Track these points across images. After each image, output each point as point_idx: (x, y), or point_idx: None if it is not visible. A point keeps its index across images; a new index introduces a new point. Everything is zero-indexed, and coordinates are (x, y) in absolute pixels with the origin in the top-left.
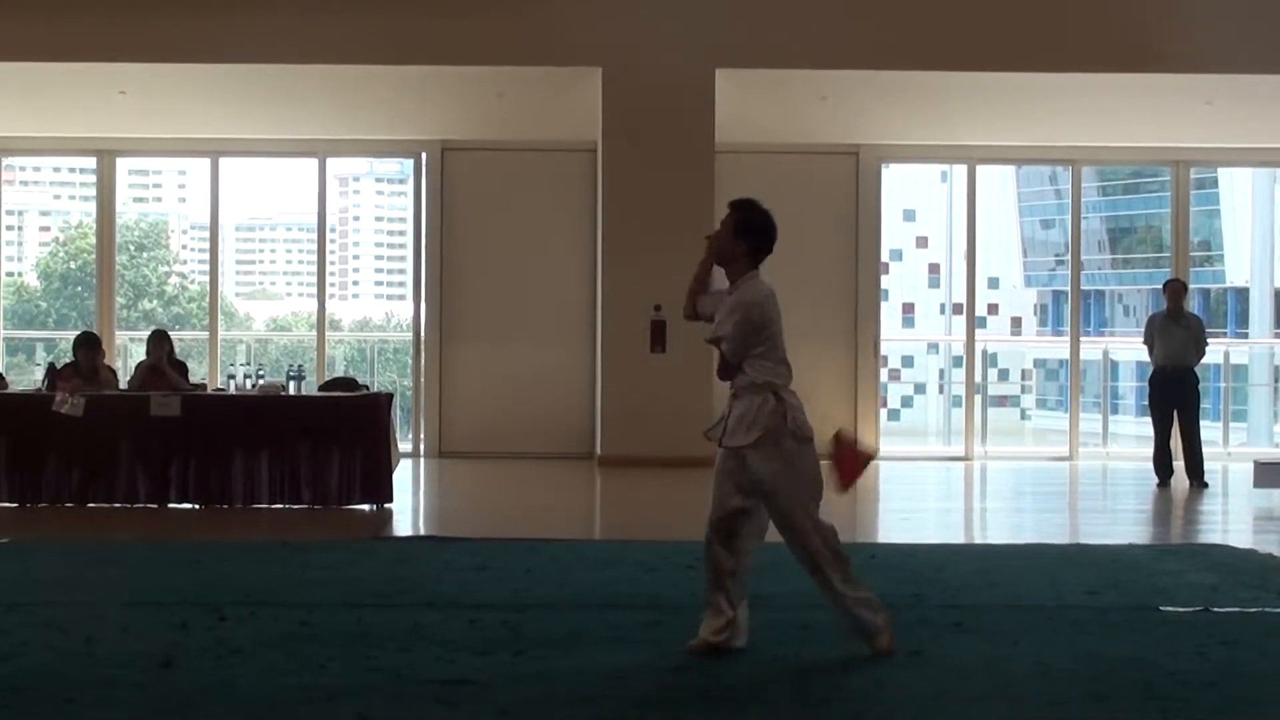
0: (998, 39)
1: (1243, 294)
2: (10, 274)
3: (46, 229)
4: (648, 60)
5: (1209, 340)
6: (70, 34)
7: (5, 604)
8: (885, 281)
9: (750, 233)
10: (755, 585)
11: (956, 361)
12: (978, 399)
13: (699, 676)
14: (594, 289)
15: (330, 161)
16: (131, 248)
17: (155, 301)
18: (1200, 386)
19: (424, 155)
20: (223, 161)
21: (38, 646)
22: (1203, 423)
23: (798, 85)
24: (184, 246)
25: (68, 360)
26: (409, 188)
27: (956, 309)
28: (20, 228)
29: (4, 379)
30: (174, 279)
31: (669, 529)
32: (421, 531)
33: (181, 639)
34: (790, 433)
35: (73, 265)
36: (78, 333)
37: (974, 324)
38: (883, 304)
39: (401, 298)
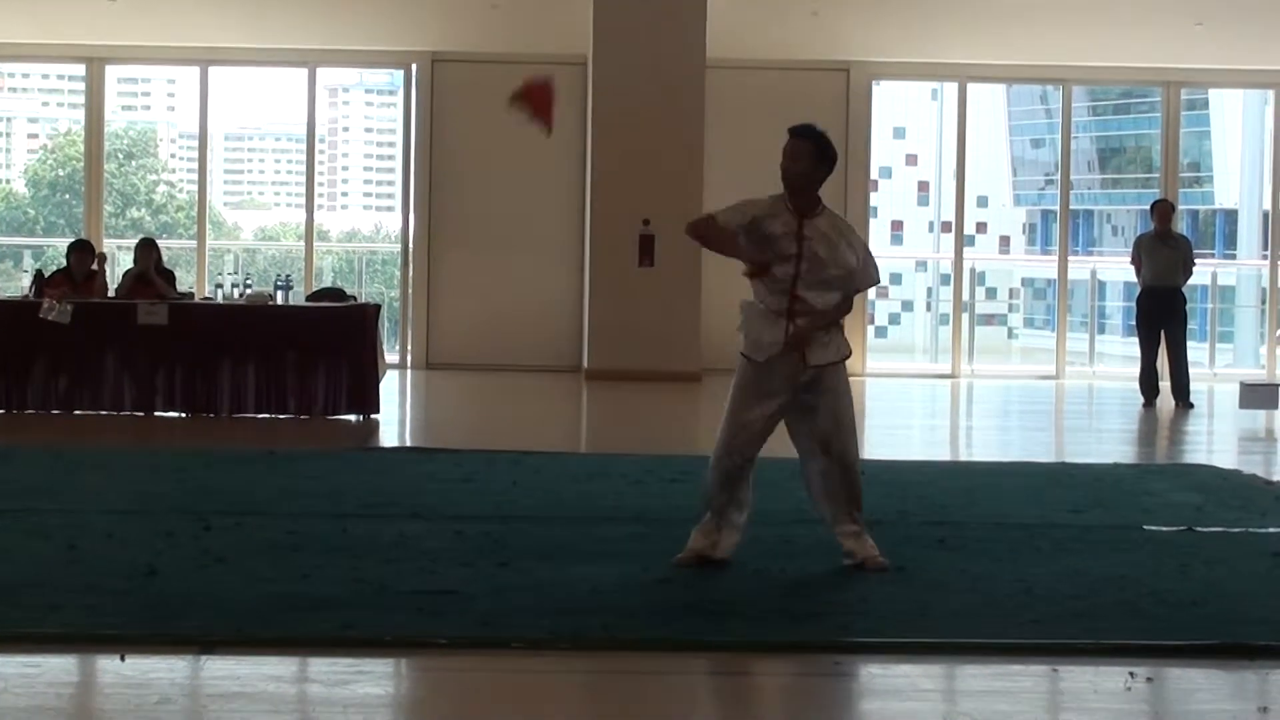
0: None
1: (1231, 216)
2: None
3: (35, 136)
4: None
5: (1196, 261)
6: None
7: None
8: (874, 199)
9: (828, 161)
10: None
11: (944, 280)
12: (965, 317)
13: (683, 590)
14: (583, 202)
15: (320, 72)
16: (120, 156)
17: (143, 210)
18: (1187, 307)
19: (414, 66)
20: (212, 70)
21: (21, 553)
22: (1189, 343)
23: (789, 0)
24: (172, 155)
25: (56, 268)
26: (399, 99)
27: (945, 227)
28: (8, 134)
29: None
30: (162, 188)
31: (655, 443)
32: (407, 443)
33: (166, 547)
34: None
35: (61, 173)
36: (69, 240)
37: (962, 242)
38: (871, 221)
39: (390, 209)
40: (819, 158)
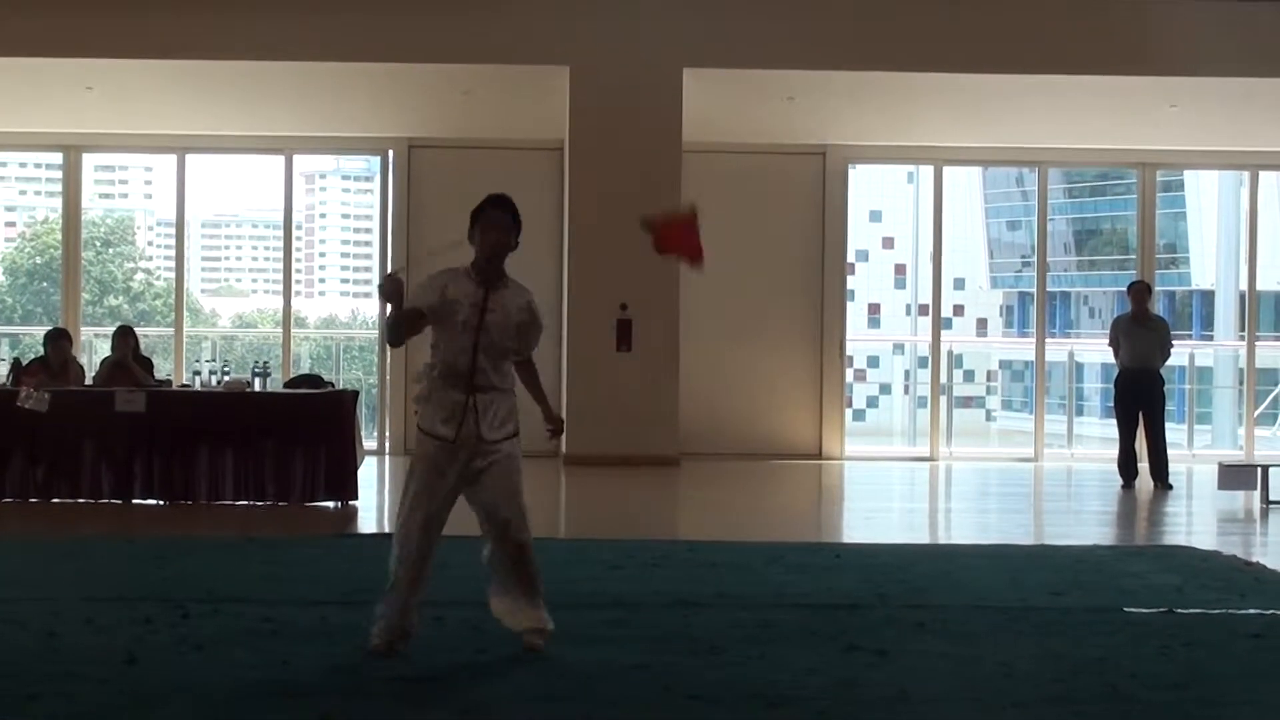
0: (964, 40)
1: (1208, 296)
2: None
3: (12, 224)
4: (615, 59)
5: (1174, 342)
6: (37, 29)
7: None
8: (851, 282)
9: (519, 229)
10: (720, 584)
11: (922, 362)
12: (943, 400)
13: (663, 675)
14: (560, 287)
15: (297, 158)
16: (98, 243)
17: (121, 297)
18: (1165, 388)
19: (390, 153)
20: (189, 158)
21: (0, 642)
22: (1168, 425)
23: (765, 85)
24: (150, 243)
25: (33, 356)
26: (375, 185)
27: (922, 310)
28: None
29: None
30: (140, 275)
31: (633, 527)
32: (386, 529)
33: (145, 634)
34: None
35: (39, 260)
36: (46, 329)
37: (940, 325)
38: (849, 304)
39: (367, 295)
40: (515, 227)
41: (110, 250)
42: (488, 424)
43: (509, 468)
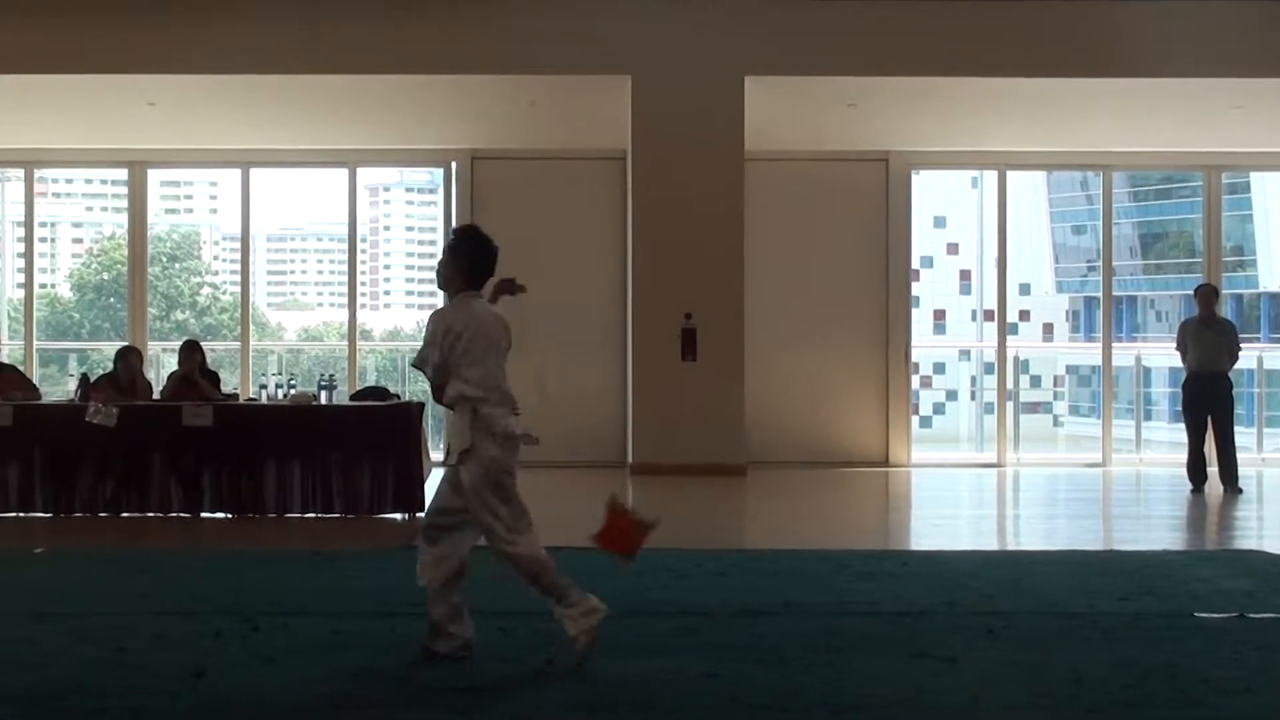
0: (1027, 44)
1: (1276, 299)
2: (43, 285)
3: (79, 240)
4: (677, 68)
5: (1242, 345)
6: (100, 46)
7: (36, 614)
8: (916, 288)
9: (453, 252)
10: (787, 592)
11: (988, 368)
12: (1009, 405)
13: (729, 684)
14: (625, 297)
15: (360, 171)
16: (164, 259)
17: (188, 312)
18: (1234, 392)
19: (454, 164)
20: (253, 172)
21: (68, 656)
22: (1236, 428)
23: (826, 92)
24: (215, 257)
25: (102, 371)
26: (439, 197)
27: (988, 315)
28: (53, 239)
29: (38, 390)
30: (206, 290)
31: (700, 536)
32: None
33: (214, 648)
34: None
35: (105, 276)
36: (115, 345)
37: (1005, 330)
38: (914, 311)
39: (432, 307)
40: (447, 253)
41: (176, 265)
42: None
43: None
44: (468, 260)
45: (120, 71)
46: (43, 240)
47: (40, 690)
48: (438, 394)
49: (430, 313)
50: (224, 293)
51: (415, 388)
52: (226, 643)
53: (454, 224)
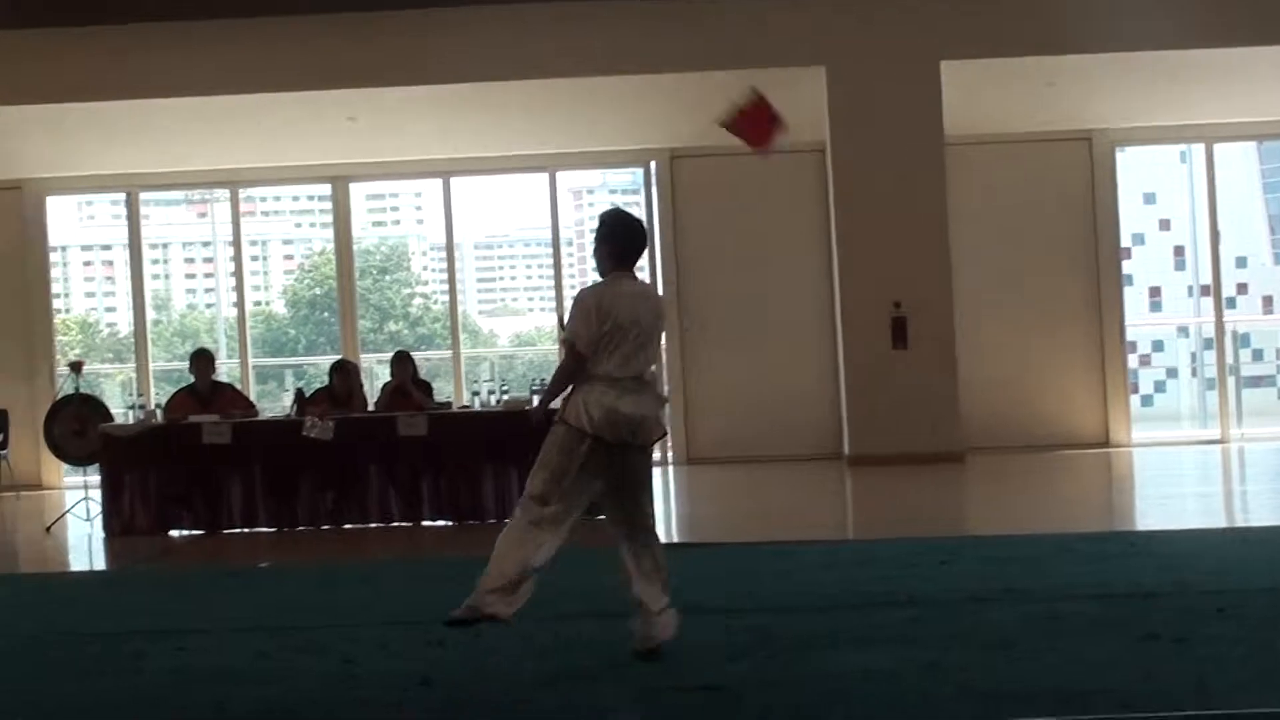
0: (1230, 13)
1: None
2: (257, 303)
3: (290, 257)
4: (871, 56)
5: None
6: (297, 63)
7: (266, 628)
8: (1129, 266)
9: (599, 240)
10: (1010, 578)
11: (1208, 344)
12: (1231, 381)
13: (955, 672)
14: (831, 288)
15: (561, 175)
16: (374, 271)
17: (401, 323)
18: None
19: (653, 164)
20: (454, 181)
21: (298, 669)
22: None
23: (1024, 72)
24: (425, 268)
25: (318, 386)
26: (641, 197)
27: (1204, 290)
28: (265, 257)
29: (255, 407)
30: (418, 300)
31: (921, 525)
32: (673, 539)
33: (440, 656)
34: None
35: (318, 291)
36: (330, 359)
37: (1222, 305)
38: (1127, 289)
39: None
40: (595, 239)
41: (387, 277)
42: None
43: None
44: (613, 243)
45: (319, 88)
46: (254, 259)
47: (272, 704)
48: (578, 372)
49: (580, 290)
50: (435, 302)
51: None
52: (451, 650)
53: (656, 225)
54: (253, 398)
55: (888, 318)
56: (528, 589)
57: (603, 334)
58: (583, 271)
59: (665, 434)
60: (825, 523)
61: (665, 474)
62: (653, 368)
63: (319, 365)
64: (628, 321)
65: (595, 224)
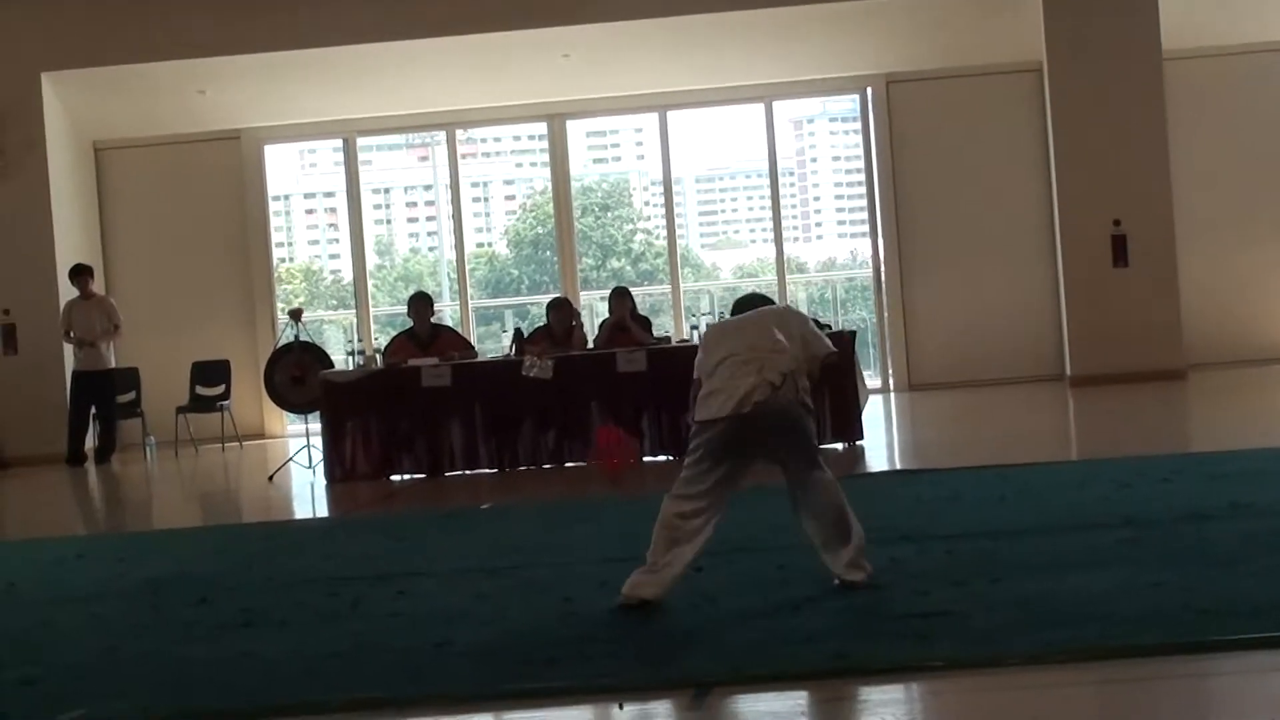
0: None
1: None
2: (480, 245)
3: (511, 197)
4: None
5: None
6: (511, 2)
7: (486, 569)
8: None
9: None
10: (1234, 494)
11: None
12: None
13: (1178, 591)
14: (1050, 208)
15: (777, 104)
16: (595, 209)
17: (623, 259)
18: None
19: (869, 90)
20: (670, 115)
21: (518, 608)
22: None
23: None
24: (646, 203)
25: (535, 325)
26: (859, 124)
27: None
28: (486, 198)
29: (474, 349)
30: (639, 236)
31: (1142, 443)
32: (896, 465)
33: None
34: None
35: (540, 230)
36: (549, 297)
37: None
38: None
39: (864, 235)
40: None
41: (609, 214)
42: None
43: None
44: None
45: (534, 26)
46: (476, 200)
47: (495, 645)
48: None
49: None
50: (656, 237)
51: (853, 316)
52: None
53: (874, 150)
54: (473, 339)
55: (1108, 236)
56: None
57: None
58: (803, 202)
59: None
60: (1047, 444)
61: (887, 400)
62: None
63: (540, 304)
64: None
65: (812, 158)
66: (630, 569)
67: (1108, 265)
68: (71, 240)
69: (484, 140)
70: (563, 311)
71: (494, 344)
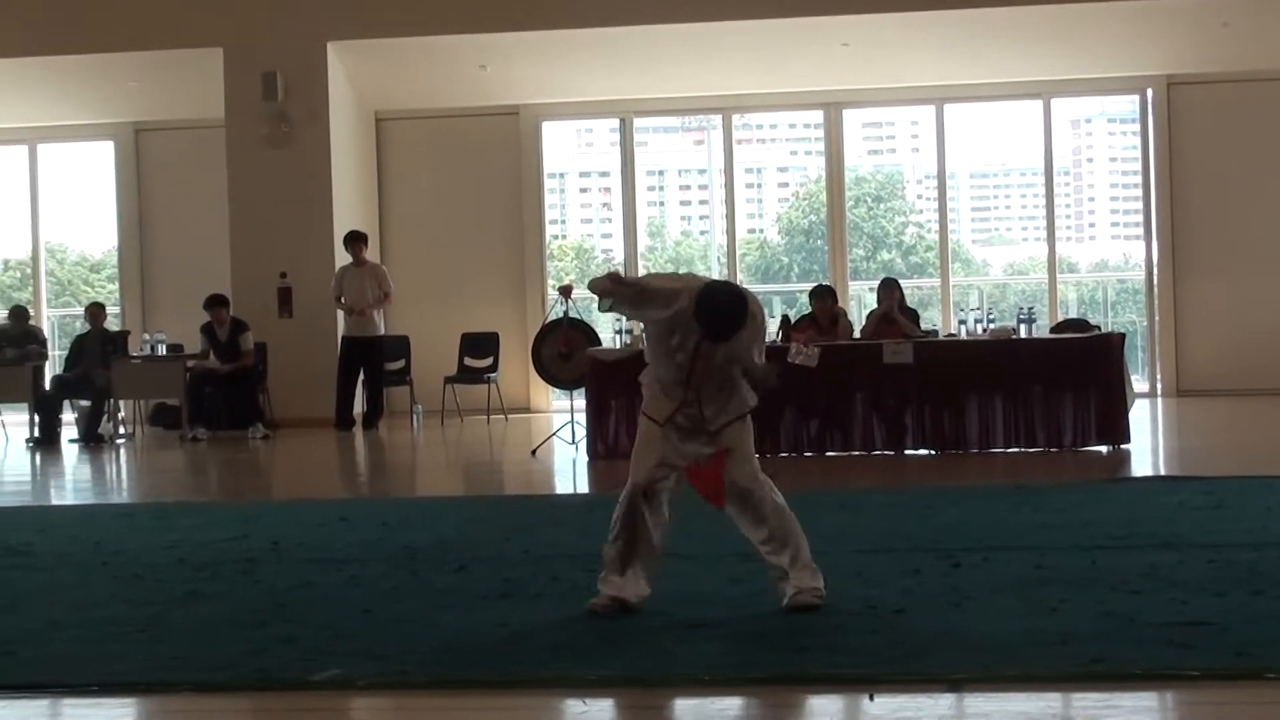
0: None
1: None
2: (751, 230)
3: (785, 185)
4: None
5: None
6: None
7: (740, 553)
8: None
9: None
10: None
11: None
12: None
13: None
14: None
15: (1055, 102)
16: (869, 200)
17: (893, 252)
18: None
19: (1149, 91)
20: (947, 108)
21: (771, 593)
22: None
23: None
24: (919, 196)
25: (802, 313)
26: (1138, 125)
27: None
28: (759, 185)
29: None
30: (911, 229)
31: None
32: (1161, 471)
33: (914, 585)
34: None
35: (812, 219)
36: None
37: None
38: None
39: (1137, 238)
40: None
41: (881, 206)
42: None
43: None
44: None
45: (815, 14)
46: (750, 186)
47: (748, 629)
48: None
49: None
50: (928, 231)
51: (1122, 319)
52: (926, 579)
53: (1152, 153)
54: None
55: None
56: None
57: None
58: (1077, 201)
59: None
60: None
61: (1154, 406)
62: None
63: (805, 292)
64: None
65: (1089, 158)
66: (884, 561)
67: None
68: (349, 208)
69: (759, 126)
70: (824, 299)
71: None
